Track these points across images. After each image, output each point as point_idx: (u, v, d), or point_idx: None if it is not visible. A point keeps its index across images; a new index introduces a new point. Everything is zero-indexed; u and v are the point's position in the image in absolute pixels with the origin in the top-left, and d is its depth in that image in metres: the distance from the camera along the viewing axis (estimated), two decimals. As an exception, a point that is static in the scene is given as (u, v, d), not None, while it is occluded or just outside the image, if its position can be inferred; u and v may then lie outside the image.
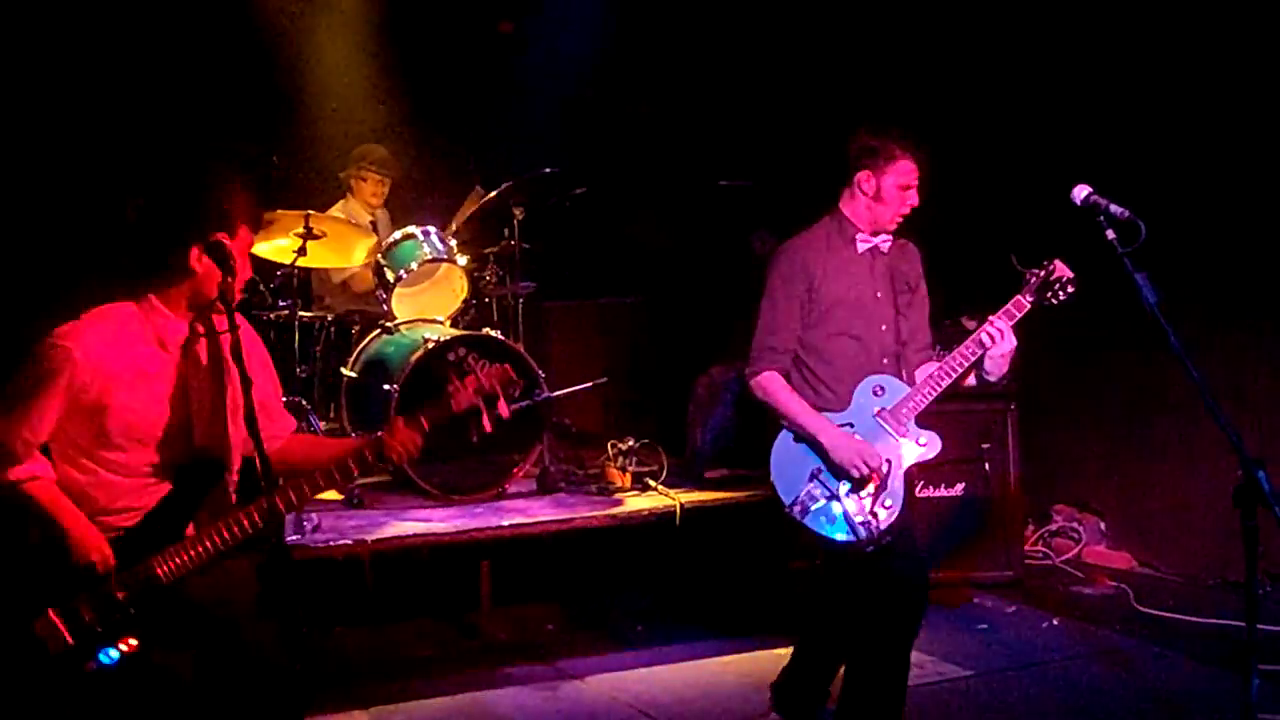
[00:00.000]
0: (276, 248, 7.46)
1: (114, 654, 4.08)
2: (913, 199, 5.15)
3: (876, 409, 5.09)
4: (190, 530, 4.27)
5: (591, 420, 8.73)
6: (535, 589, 7.07)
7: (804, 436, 5.12)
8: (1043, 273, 4.96)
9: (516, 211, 7.92)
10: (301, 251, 7.28)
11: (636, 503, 7.19)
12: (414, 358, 7.09)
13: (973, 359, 5.01)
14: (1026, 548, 8.11)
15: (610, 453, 7.65)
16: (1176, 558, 7.90)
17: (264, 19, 9.01)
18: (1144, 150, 7.67)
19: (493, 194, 7.84)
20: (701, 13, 9.44)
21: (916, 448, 5.09)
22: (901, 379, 5.16)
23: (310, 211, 7.36)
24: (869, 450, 5.02)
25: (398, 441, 4.52)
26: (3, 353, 4.39)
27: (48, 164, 7.50)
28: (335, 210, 8.28)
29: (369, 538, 6.42)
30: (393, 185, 8.75)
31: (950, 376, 5.02)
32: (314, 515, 6.50)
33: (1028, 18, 8.27)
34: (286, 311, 7.53)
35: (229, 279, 4.16)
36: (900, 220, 5.19)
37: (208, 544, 4.20)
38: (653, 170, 9.70)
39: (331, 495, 7.27)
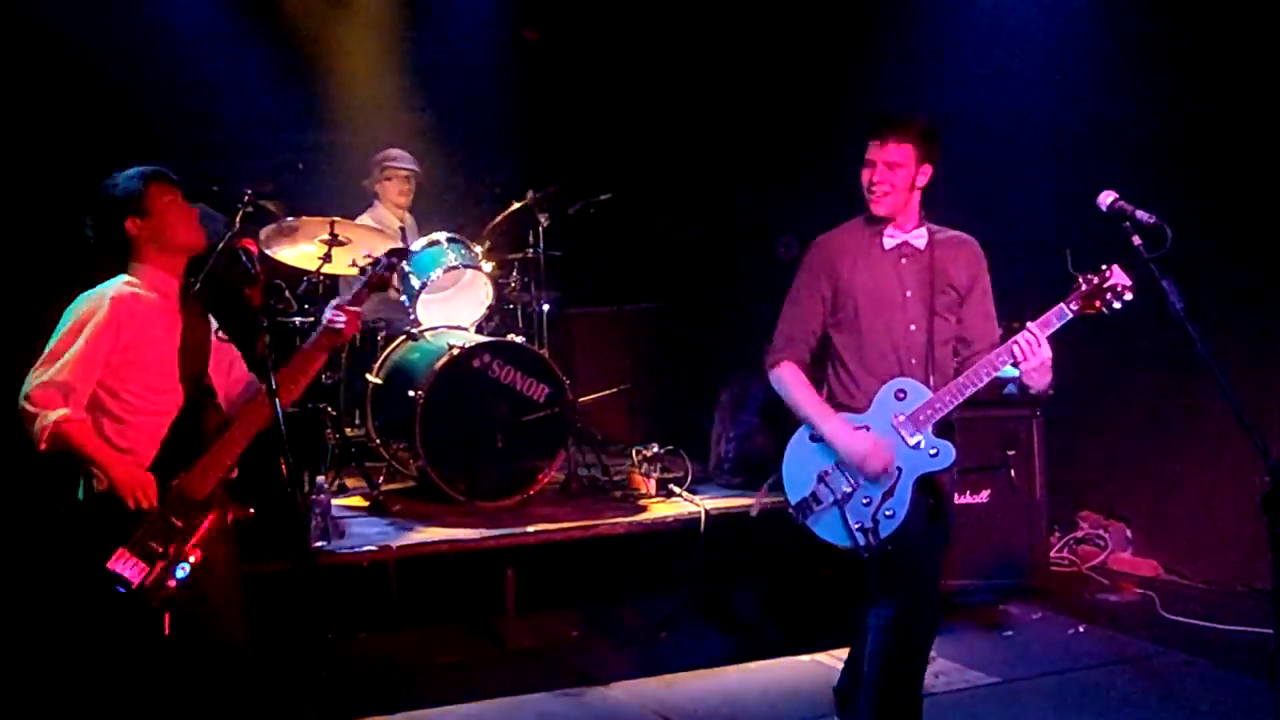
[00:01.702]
0: (302, 254, 7.47)
1: (186, 568, 4.46)
2: (871, 176, 4.99)
3: (894, 413, 4.97)
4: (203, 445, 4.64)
5: (616, 427, 8.73)
6: (560, 595, 7.07)
7: (815, 432, 5.05)
8: (1096, 279, 4.76)
9: (541, 219, 7.95)
10: (326, 258, 7.29)
11: (661, 509, 7.21)
12: (439, 364, 7.11)
13: (998, 371, 4.88)
14: (1052, 554, 8.08)
15: (635, 459, 7.67)
16: (1203, 565, 7.86)
17: (290, 26, 9.05)
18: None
19: (516, 205, 7.90)
20: (726, 19, 9.44)
21: (927, 458, 4.93)
22: (930, 382, 5.02)
23: (335, 218, 7.37)
24: (877, 448, 4.91)
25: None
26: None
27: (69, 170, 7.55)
28: (364, 219, 8.29)
29: (394, 543, 6.45)
30: (417, 192, 8.76)
31: (974, 385, 4.89)
32: (340, 521, 6.52)
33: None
34: (312, 318, 7.55)
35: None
36: (872, 198, 5.02)
37: (224, 453, 4.62)
38: (676, 177, 9.71)
39: (357, 501, 7.31)
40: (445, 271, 7.67)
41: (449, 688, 6.19)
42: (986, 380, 4.89)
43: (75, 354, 4.46)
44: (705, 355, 9.20)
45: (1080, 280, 4.79)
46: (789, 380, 5.12)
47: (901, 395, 4.97)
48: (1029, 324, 4.81)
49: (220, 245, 6.86)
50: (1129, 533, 8.38)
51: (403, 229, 8.58)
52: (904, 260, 5.08)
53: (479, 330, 7.91)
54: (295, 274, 7.64)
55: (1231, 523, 7.52)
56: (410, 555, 6.49)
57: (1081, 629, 7.05)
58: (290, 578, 5.37)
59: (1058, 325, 4.81)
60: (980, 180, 7.75)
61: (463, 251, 7.76)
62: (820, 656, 6.62)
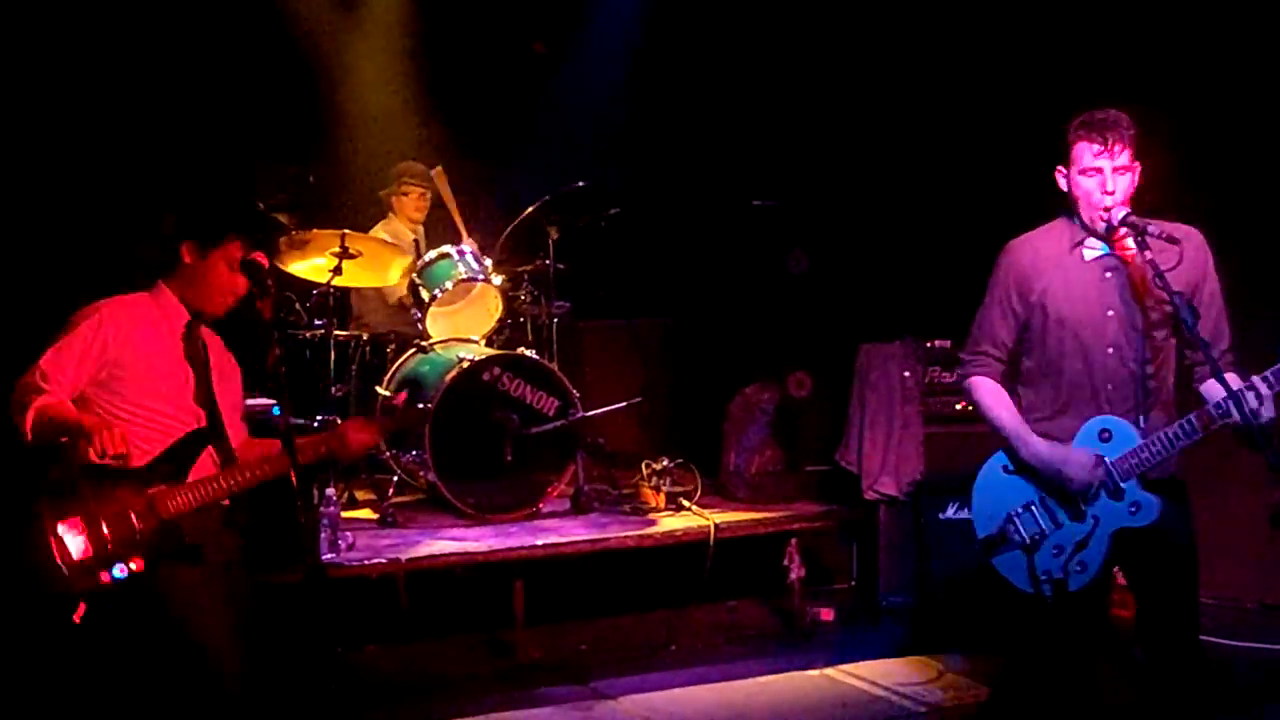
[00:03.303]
0: (313, 267, 7.49)
1: (124, 570, 4.35)
2: (1103, 185, 4.49)
3: (1096, 454, 4.55)
4: (191, 478, 4.58)
5: (625, 440, 8.72)
6: (569, 608, 7.06)
7: (1008, 449, 4.68)
8: None
9: (551, 231, 7.95)
10: (337, 271, 7.30)
11: (670, 523, 7.20)
12: (449, 377, 7.11)
13: (1215, 425, 4.39)
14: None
15: (644, 472, 7.66)
16: (1215, 581, 7.74)
17: (302, 39, 9.07)
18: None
19: (529, 209, 7.91)
20: (735, 31, 9.45)
21: (1126, 513, 4.53)
22: (1141, 420, 4.56)
23: (346, 231, 7.38)
24: (1081, 460, 4.51)
25: (350, 442, 4.82)
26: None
27: (90, 177, 7.57)
28: (378, 230, 8.31)
29: (404, 556, 6.44)
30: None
31: (1186, 438, 4.45)
32: (349, 534, 6.52)
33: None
34: (322, 330, 7.56)
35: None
36: (1099, 216, 4.51)
37: (210, 488, 4.55)
38: (687, 190, 9.71)
39: (366, 514, 7.31)
40: (455, 284, 7.68)
41: (458, 700, 6.17)
42: (1201, 434, 4.45)
43: (57, 347, 4.50)
44: (715, 368, 9.18)
45: None
46: (982, 396, 4.76)
47: (1106, 436, 4.57)
48: (1255, 379, 4.33)
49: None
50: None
51: (416, 242, 8.60)
52: (1108, 274, 4.61)
53: (489, 343, 7.91)
54: (306, 287, 7.66)
55: (1242, 538, 7.48)
56: (420, 568, 6.48)
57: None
58: (300, 590, 5.38)
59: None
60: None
61: (473, 264, 7.77)
62: (830, 671, 6.61)
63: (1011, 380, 4.83)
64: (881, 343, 7.62)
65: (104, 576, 4.35)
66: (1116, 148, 4.49)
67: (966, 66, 8.63)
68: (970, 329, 4.85)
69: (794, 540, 7.29)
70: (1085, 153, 4.52)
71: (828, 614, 7.30)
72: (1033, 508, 4.64)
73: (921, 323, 7.61)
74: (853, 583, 7.76)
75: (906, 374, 7.45)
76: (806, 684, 6.51)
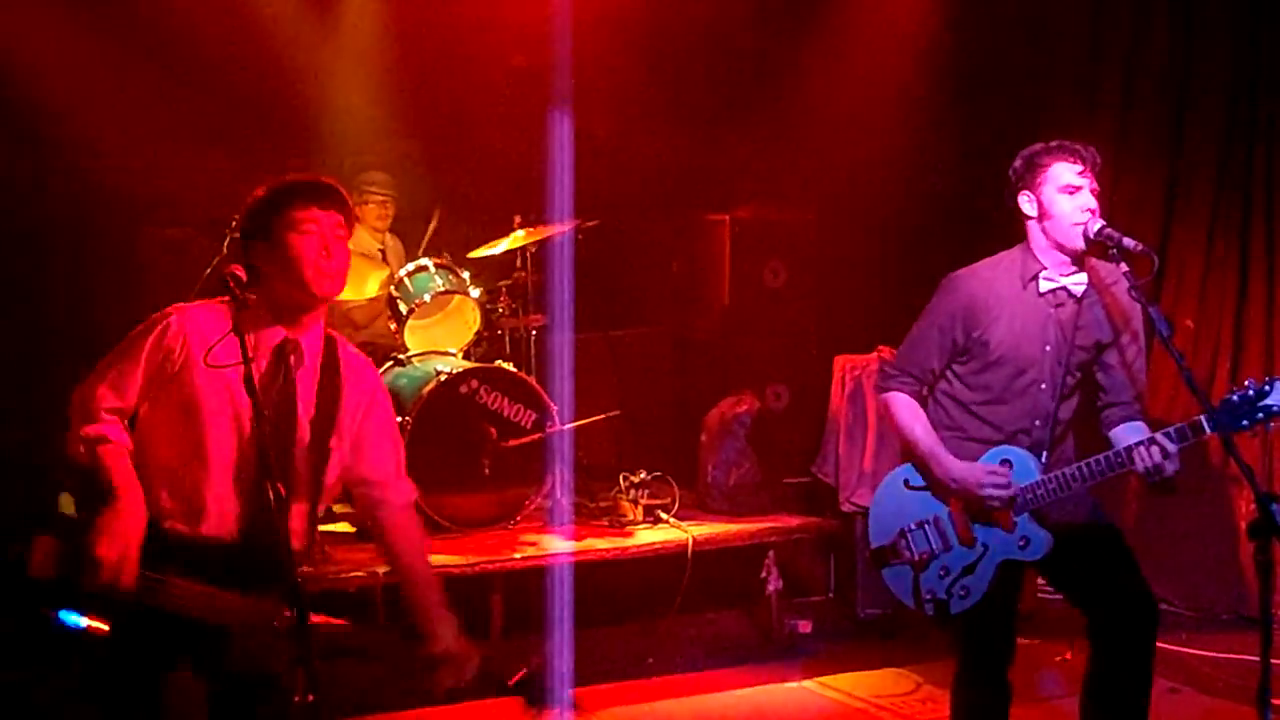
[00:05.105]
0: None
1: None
2: (1084, 201, 4.51)
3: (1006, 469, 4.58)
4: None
5: (603, 453, 8.72)
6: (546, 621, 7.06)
7: (921, 467, 4.70)
8: (1253, 392, 4.22)
9: (529, 245, 7.95)
10: (315, 283, 7.27)
11: (648, 535, 7.21)
12: (426, 390, 7.11)
13: (1114, 473, 4.46)
14: (1040, 581, 8.07)
15: (622, 485, 7.66)
16: (1190, 592, 7.85)
17: (275, 52, 9.05)
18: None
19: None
20: (714, 39, 9.47)
21: (1015, 546, 4.54)
22: (1046, 455, 4.60)
23: (323, 243, 7.36)
24: (995, 478, 4.52)
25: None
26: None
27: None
28: (342, 240, 8.28)
29: (381, 570, 6.42)
30: (406, 217, 8.78)
31: (1084, 481, 4.47)
32: (327, 548, 6.50)
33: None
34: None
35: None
36: (1079, 230, 4.50)
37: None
38: (664, 203, 9.72)
39: (344, 527, 7.29)
40: (433, 296, 7.68)
41: (435, 714, 6.16)
42: (1099, 480, 4.47)
43: (117, 366, 3.89)
44: (693, 381, 9.20)
45: (1233, 391, 4.28)
46: (900, 412, 4.75)
47: (1007, 466, 4.59)
48: (1159, 436, 4.35)
49: (208, 271, 6.91)
50: (1115, 559, 8.36)
51: (382, 251, 8.60)
52: (1054, 309, 4.63)
53: (467, 355, 7.90)
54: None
55: (1218, 550, 7.53)
56: (397, 582, 6.46)
57: (1068, 656, 7.05)
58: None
59: (1192, 441, 4.32)
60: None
61: (450, 277, 7.77)
62: (808, 683, 6.62)
63: (930, 391, 4.87)
64: (858, 354, 7.65)
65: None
66: (1093, 170, 4.57)
67: (945, 80, 8.68)
68: (900, 349, 4.88)
69: (771, 552, 7.30)
70: (1066, 171, 4.55)
71: (805, 626, 7.31)
72: (926, 526, 4.67)
73: (897, 335, 7.63)
74: (830, 594, 7.79)
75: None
76: (784, 696, 6.52)
